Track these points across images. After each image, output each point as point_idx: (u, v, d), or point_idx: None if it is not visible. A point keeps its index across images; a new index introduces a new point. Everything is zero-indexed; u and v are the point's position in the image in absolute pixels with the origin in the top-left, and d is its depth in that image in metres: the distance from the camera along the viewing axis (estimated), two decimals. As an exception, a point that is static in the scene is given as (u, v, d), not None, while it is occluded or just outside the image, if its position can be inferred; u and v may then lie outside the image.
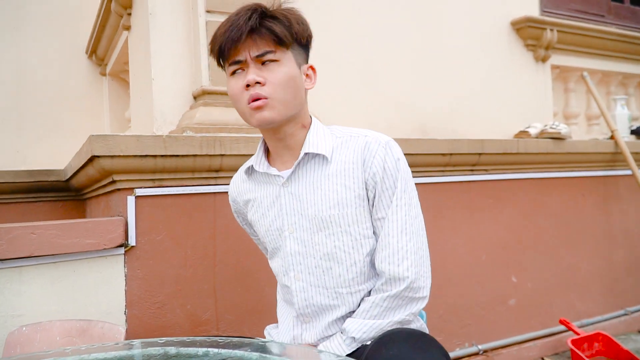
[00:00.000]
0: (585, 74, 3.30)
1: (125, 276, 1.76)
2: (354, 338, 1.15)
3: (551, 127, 2.86)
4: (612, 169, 3.16)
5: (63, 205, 3.11)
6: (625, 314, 3.11)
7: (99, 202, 2.39)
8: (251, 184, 1.33)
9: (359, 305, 1.20)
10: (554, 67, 3.30)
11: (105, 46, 2.98)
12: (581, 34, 3.27)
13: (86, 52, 3.32)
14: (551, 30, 3.10)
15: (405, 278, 1.13)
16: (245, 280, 1.97)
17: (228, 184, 1.91)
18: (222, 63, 1.19)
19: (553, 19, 3.14)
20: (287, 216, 1.23)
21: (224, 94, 1.99)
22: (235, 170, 1.89)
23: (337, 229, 1.18)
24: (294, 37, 1.15)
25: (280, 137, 1.22)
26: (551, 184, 2.91)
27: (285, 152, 1.24)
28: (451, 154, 2.45)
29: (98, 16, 2.70)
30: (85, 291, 1.70)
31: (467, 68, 2.92)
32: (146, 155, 1.73)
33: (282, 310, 1.37)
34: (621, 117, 3.38)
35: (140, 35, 2.17)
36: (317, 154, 1.20)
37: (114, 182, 1.77)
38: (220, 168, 1.88)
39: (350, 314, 1.20)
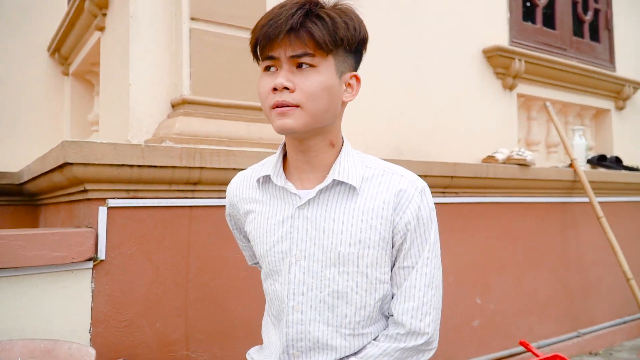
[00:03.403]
0: (548, 103, 3.43)
1: (92, 292, 1.65)
2: None
3: (517, 154, 2.94)
4: (570, 196, 3.28)
5: (13, 210, 2.92)
6: (578, 336, 3.21)
7: (58, 210, 2.26)
8: (260, 195, 1.19)
9: (364, 348, 1.12)
10: (520, 96, 3.41)
11: (72, 45, 2.84)
12: (546, 66, 3.40)
13: (48, 50, 3.16)
14: (519, 60, 3.21)
15: (426, 334, 1.09)
16: (217, 299, 1.89)
17: (205, 198, 1.87)
18: (257, 57, 1.08)
19: (521, 50, 3.25)
20: (297, 241, 1.12)
21: (206, 104, 1.93)
22: (213, 184, 1.85)
23: (353, 268, 1.09)
24: (338, 42, 1.03)
25: (303, 150, 1.11)
26: (515, 209, 2.99)
27: (306, 169, 1.13)
28: (425, 176, 2.46)
29: (68, 14, 2.58)
30: (48, 308, 1.58)
31: (441, 92, 2.97)
32: (122, 165, 1.65)
33: (269, 335, 1.26)
34: (579, 147, 3.52)
35: (117, 38, 2.07)
36: (345, 183, 1.10)
37: (85, 191, 1.67)
38: (198, 181, 1.81)
39: (347, 357, 1.12)
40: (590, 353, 3.22)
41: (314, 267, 1.10)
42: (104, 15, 2.25)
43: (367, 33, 1.11)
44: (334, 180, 1.09)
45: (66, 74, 3.18)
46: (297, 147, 1.11)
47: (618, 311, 3.52)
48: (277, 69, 1.04)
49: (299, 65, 1.02)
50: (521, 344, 2.78)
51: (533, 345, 2.82)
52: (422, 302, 1.09)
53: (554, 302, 3.15)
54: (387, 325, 1.15)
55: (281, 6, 1.03)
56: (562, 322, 3.18)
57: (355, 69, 1.13)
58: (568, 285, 3.24)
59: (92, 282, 1.66)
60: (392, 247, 1.11)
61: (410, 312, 1.09)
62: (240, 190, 1.25)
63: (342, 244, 1.09)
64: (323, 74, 1.03)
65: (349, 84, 1.10)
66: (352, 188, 1.10)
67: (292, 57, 1.02)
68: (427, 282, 1.10)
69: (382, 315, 1.16)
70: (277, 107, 1.03)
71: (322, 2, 1.06)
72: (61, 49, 3.02)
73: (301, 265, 1.11)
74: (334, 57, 1.05)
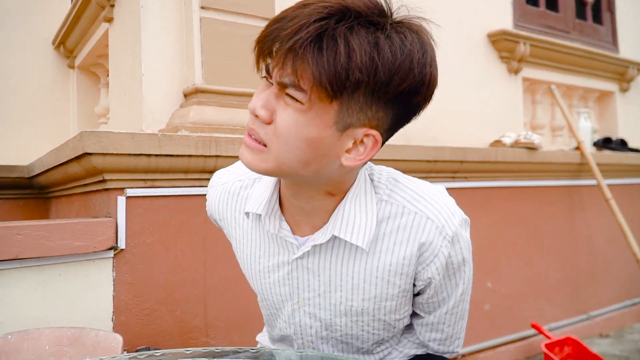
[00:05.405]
0: (553, 87, 3.43)
1: (113, 281, 1.67)
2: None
3: (525, 138, 2.95)
4: (578, 178, 3.29)
5: (24, 204, 2.93)
6: (588, 319, 3.24)
7: (71, 201, 2.27)
8: (249, 226, 0.96)
9: (389, 354, 1.06)
10: (525, 80, 3.41)
11: (78, 38, 2.84)
12: (550, 49, 3.39)
13: (53, 43, 3.15)
14: (524, 43, 3.21)
15: (454, 353, 1.04)
16: (235, 286, 1.91)
17: (221, 186, 1.88)
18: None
19: (526, 33, 3.24)
20: (299, 290, 0.94)
21: (218, 92, 1.94)
22: (229, 172, 1.85)
23: (368, 317, 0.93)
24: (347, 86, 0.71)
25: (293, 194, 0.86)
26: (523, 192, 3.00)
27: (301, 213, 0.88)
28: (435, 161, 2.48)
29: (74, 6, 2.57)
30: (70, 297, 1.60)
31: (446, 77, 2.95)
32: (140, 154, 1.65)
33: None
34: (584, 130, 3.52)
35: (127, 29, 2.07)
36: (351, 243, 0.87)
37: (103, 181, 1.67)
38: (214, 169, 1.82)
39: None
40: (601, 335, 3.25)
41: (321, 314, 0.95)
42: (112, 6, 2.24)
43: (427, 77, 0.77)
44: (333, 236, 0.87)
45: (72, 67, 3.17)
46: (286, 186, 0.87)
47: (628, 293, 3.55)
48: (268, 82, 0.78)
49: (287, 93, 0.74)
50: (533, 326, 2.81)
51: (544, 327, 2.85)
52: (451, 333, 1.00)
53: (563, 285, 3.17)
54: (409, 330, 1.06)
55: (304, 4, 0.73)
56: (572, 304, 3.20)
57: (388, 126, 0.80)
58: (577, 267, 3.26)
59: (113, 271, 1.67)
60: (414, 286, 0.94)
61: (438, 341, 1.01)
62: (224, 209, 1.01)
63: (354, 299, 0.91)
64: (309, 118, 0.73)
65: (361, 142, 0.78)
66: (359, 248, 0.87)
67: (280, 83, 0.74)
68: (458, 317, 0.97)
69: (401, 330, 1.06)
70: (247, 134, 0.80)
71: (368, 11, 0.72)
72: (66, 42, 3.01)
73: (306, 311, 0.96)
74: (340, 103, 0.73)
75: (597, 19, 4.04)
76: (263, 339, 1.27)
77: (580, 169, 3.25)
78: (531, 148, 2.93)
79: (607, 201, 3.16)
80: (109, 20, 2.29)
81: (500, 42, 3.15)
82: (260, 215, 0.92)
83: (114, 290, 1.67)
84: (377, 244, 0.87)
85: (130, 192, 1.69)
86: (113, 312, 1.66)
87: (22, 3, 3.11)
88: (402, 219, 0.86)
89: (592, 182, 3.29)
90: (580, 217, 3.32)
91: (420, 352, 1.04)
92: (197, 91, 1.90)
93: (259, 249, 0.95)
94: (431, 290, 0.92)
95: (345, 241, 0.87)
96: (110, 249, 1.64)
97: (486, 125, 3.11)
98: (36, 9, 3.16)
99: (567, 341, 2.71)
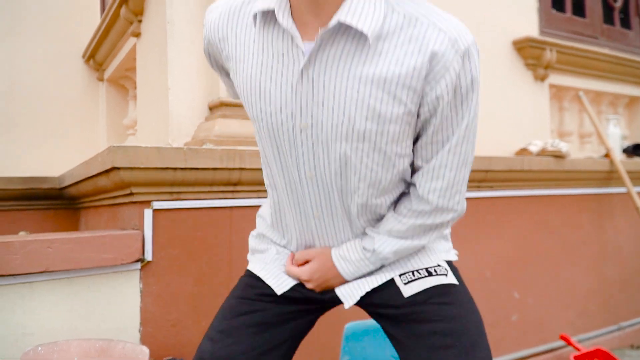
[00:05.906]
0: (581, 93, 3.37)
1: (140, 293, 1.70)
2: (374, 250, 1.02)
3: (552, 145, 2.90)
4: (607, 186, 3.22)
5: (54, 214, 3.02)
6: (619, 329, 3.16)
7: (100, 212, 2.32)
8: (253, 38, 0.95)
9: (387, 221, 1.02)
10: (552, 86, 3.36)
11: (107, 51, 2.91)
12: (578, 55, 3.33)
13: (83, 57, 3.23)
14: (551, 50, 3.16)
15: (455, 211, 1.00)
16: (260, 296, 1.92)
17: (245, 198, 1.90)
18: None
19: (552, 40, 3.19)
20: (302, 109, 0.91)
21: (241, 106, 1.96)
22: (252, 184, 1.87)
23: (369, 145, 0.91)
24: None
25: None
26: (551, 201, 2.95)
27: (309, 8, 0.88)
28: (460, 171, 2.45)
29: (103, 21, 2.64)
30: (98, 308, 1.63)
31: (471, 85, 2.94)
32: (166, 168, 1.68)
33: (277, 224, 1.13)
34: (614, 136, 3.45)
35: (154, 44, 2.12)
36: (356, 30, 0.86)
37: (131, 194, 1.71)
38: (238, 182, 1.84)
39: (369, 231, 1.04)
40: (632, 346, 3.16)
41: (322, 136, 0.93)
42: (140, 21, 2.30)
43: None
44: (339, 23, 0.85)
45: (101, 79, 3.25)
46: None
47: (660, 303, 3.45)
48: None
49: None
50: (562, 338, 2.75)
51: (573, 339, 2.78)
52: (452, 182, 0.97)
53: (593, 295, 3.10)
54: (407, 192, 1.04)
55: None
56: (602, 315, 3.13)
57: None
58: (607, 277, 3.19)
59: (140, 282, 1.70)
60: (418, 118, 0.93)
61: (438, 192, 0.97)
62: (224, 29, 0.99)
63: (357, 117, 0.89)
64: None
65: None
66: (366, 41, 0.86)
67: None
68: (460, 161, 0.95)
69: (400, 180, 1.02)
70: None
71: None
72: (96, 56, 3.09)
73: (308, 134, 0.93)
74: None
75: (626, 23, 3.96)
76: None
77: (610, 176, 3.18)
78: (558, 156, 2.88)
79: (637, 209, 3.08)
80: (137, 35, 2.34)
81: (526, 49, 3.11)
82: (269, 19, 0.92)
83: (141, 302, 1.70)
84: (388, 55, 0.87)
85: (157, 204, 1.72)
86: (140, 323, 1.69)
87: (53, 17, 3.20)
88: (414, 30, 0.87)
89: (622, 190, 3.22)
90: (610, 225, 3.24)
91: (418, 222, 1.00)
92: (222, 104, 1.93)
93: (261, 63, 0.93)
94: (436, 120, 0.91)
95: (351, 36, 0.86)
96: (137, 261, 1.67)
97: (512, 133, 3.07)
98: (67, 23, 3.25)
99: (596, 353, 2.64)
